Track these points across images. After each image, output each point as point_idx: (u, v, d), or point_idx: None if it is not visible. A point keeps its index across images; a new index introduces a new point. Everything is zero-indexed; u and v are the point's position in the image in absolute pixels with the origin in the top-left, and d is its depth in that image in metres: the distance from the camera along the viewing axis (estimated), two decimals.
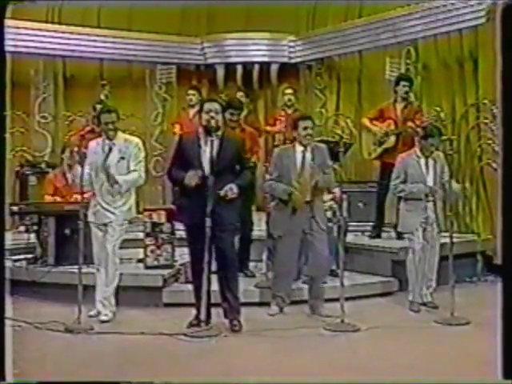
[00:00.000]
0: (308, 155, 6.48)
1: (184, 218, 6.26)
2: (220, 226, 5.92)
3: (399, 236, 7.83)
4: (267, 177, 6.69)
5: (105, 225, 6.45)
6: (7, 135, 9.97)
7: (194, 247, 6.03)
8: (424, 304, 6.81)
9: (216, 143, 5.98)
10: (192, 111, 9.76)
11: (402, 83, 8.27)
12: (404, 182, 6.86)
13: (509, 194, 4.96)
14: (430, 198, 6.75)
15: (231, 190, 5.92)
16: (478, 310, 6.27)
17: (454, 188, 6.80)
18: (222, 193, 5.88)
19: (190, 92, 9.86)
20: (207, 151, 5.96)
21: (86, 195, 6.55)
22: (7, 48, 8.90)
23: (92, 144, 6.59)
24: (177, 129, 9.78)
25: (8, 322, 4.80)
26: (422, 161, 6.82)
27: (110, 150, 6.39)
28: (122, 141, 6.50)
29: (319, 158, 6.50)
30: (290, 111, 9.63)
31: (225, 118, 6.51)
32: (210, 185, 5.82)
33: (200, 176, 5.89)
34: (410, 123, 7.99)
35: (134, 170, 6.46)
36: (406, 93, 8.24)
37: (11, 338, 4.44)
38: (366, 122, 8.49)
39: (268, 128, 9.60)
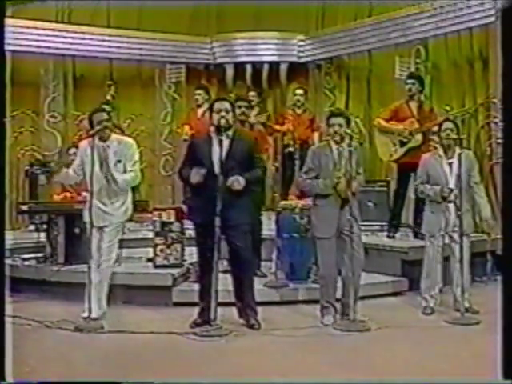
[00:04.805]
0: (345, 153, 6.19)
1: (194, 217, 6.26)
2: (231, 226, 5.92)
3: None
4: (303, 176, 6.43)
5: (100, 227, 6.27)
6: (16, 134, 10.11)
7: (203, 247, 6.01)
8: (466, 310, 6.42)
9: (226, 142, 6.00)
10: (200, 110, 9.80)
11: (408, 81, 8.26)
12: (426, 183, 6.67)
13: (509, 193, 4.94)
14: (452, 199, 6.48)
15: (237, 181, 5.88)
16: (487, 309, 6.23)
17: (479, 200, 6.64)
18: (228, 182, 5.84)
19: (197, 91, 9.94)
20: (218, 150, 5.90)
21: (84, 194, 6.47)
22: (15, 48, 9.14)
23: (83, 145, 6.39)
24: (186, 130, 9.80)
25: (8, 321, 4.80)
26: (445, 161, 6.59)
27: (105, 151, 6.23)
28: (116, 143, 6.31)
29: (355, 157, 6.26)
30: (299, 111, 9.65)
31: (235, 116, 6.40)
32: (220, 184, 5.80)
33: (203, 174, 5.86)
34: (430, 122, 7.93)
35: (131, 171, 6.31)
36: (410, 90, 8.15)
37: (11, 338, 4.43)
38: (382, 122, 8.25)
39: (277, 127, 9.60)
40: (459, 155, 6.49)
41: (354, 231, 6.16)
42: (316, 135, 9.72)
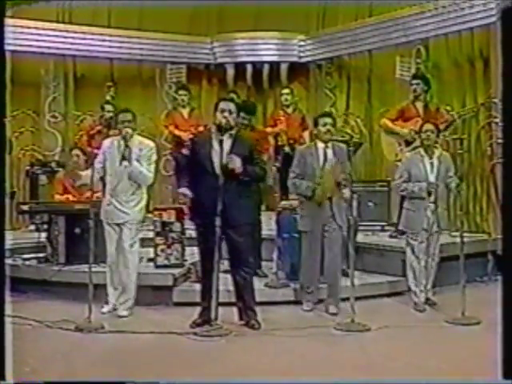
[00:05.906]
0: (330, 152, 6.56)
1: (194, 217, 6.25)
2: (232, 226, 5.92)
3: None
4: (290, 175, 6.74)
5: (117, 224, 6.56)
6: (17, 134, 10.10)
7: (204, 246, 6.01)
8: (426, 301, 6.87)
9: (228, 142, 5.99)
10: (185, 111, 9.82)
11: (412, 81, 8.32)
12: (407, 181, 6.83)
13: (509, 193, 4.94)
14: (432, 199, 6.70)
15: (232, 159, 5.86)
16: (488, 309, 6.23)
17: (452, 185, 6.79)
18: (223, 161, 5.83)
19: (182, 92, 10.00)
20: (218, 150, 5.89)
21: (96, 194, 6.57)
22: (16, 48, 9.14)
23: (107, 143, 6.65)
24: (171, 129, 9.80)
25: (9, 321, 4.80)
26: (426, 160, 6.79)
27: (126, 150, 6.42)
28: (137, 143, 6.55)
29: (340, 156, 6.56)
30: (289, 110, 9.75)
31: (239, 118, 6.46)
32: (221, 184, 5.80)
33: (188, 197, 6.02)
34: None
35: (146, 170, 6.53)
36: (415, 90, 8.20)
37: (11, 338, 4.42)
38: (387, 123, 8.32)
39: (269, 129, 9.61)
40: (438, 156, 6.80)
41: (332, 228, 6.50)
42: (306, 134, 9.73)
